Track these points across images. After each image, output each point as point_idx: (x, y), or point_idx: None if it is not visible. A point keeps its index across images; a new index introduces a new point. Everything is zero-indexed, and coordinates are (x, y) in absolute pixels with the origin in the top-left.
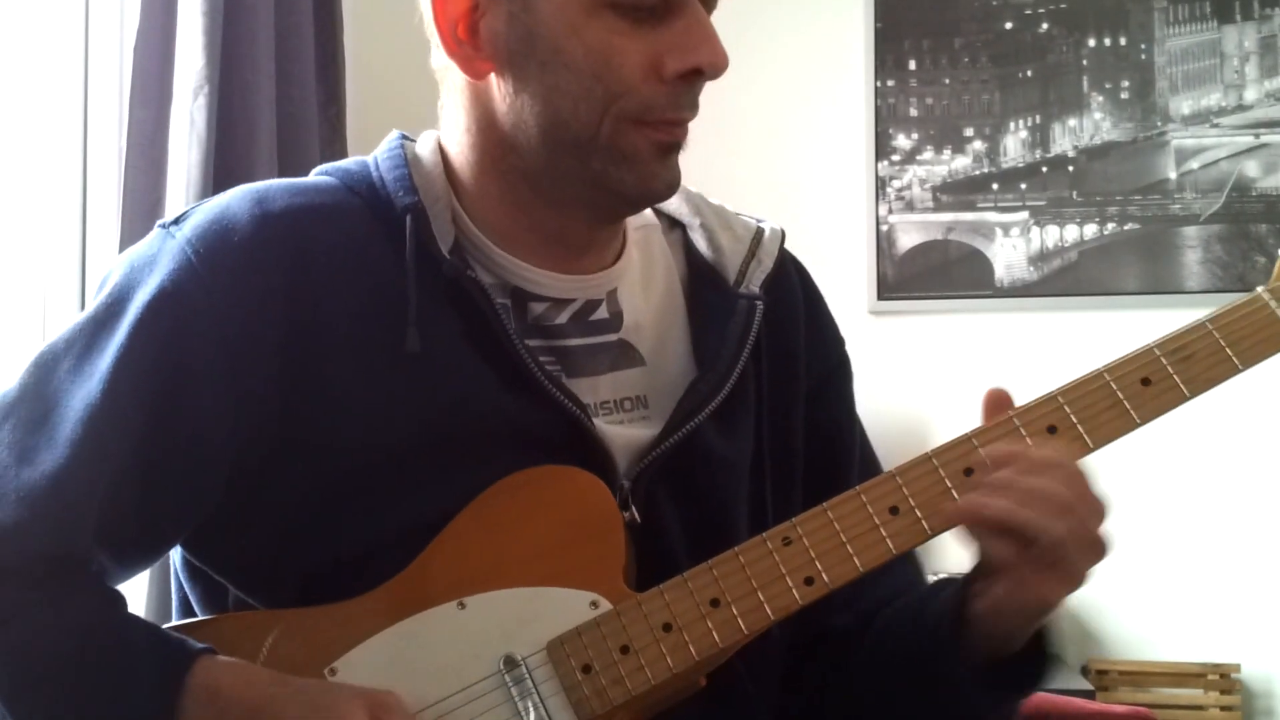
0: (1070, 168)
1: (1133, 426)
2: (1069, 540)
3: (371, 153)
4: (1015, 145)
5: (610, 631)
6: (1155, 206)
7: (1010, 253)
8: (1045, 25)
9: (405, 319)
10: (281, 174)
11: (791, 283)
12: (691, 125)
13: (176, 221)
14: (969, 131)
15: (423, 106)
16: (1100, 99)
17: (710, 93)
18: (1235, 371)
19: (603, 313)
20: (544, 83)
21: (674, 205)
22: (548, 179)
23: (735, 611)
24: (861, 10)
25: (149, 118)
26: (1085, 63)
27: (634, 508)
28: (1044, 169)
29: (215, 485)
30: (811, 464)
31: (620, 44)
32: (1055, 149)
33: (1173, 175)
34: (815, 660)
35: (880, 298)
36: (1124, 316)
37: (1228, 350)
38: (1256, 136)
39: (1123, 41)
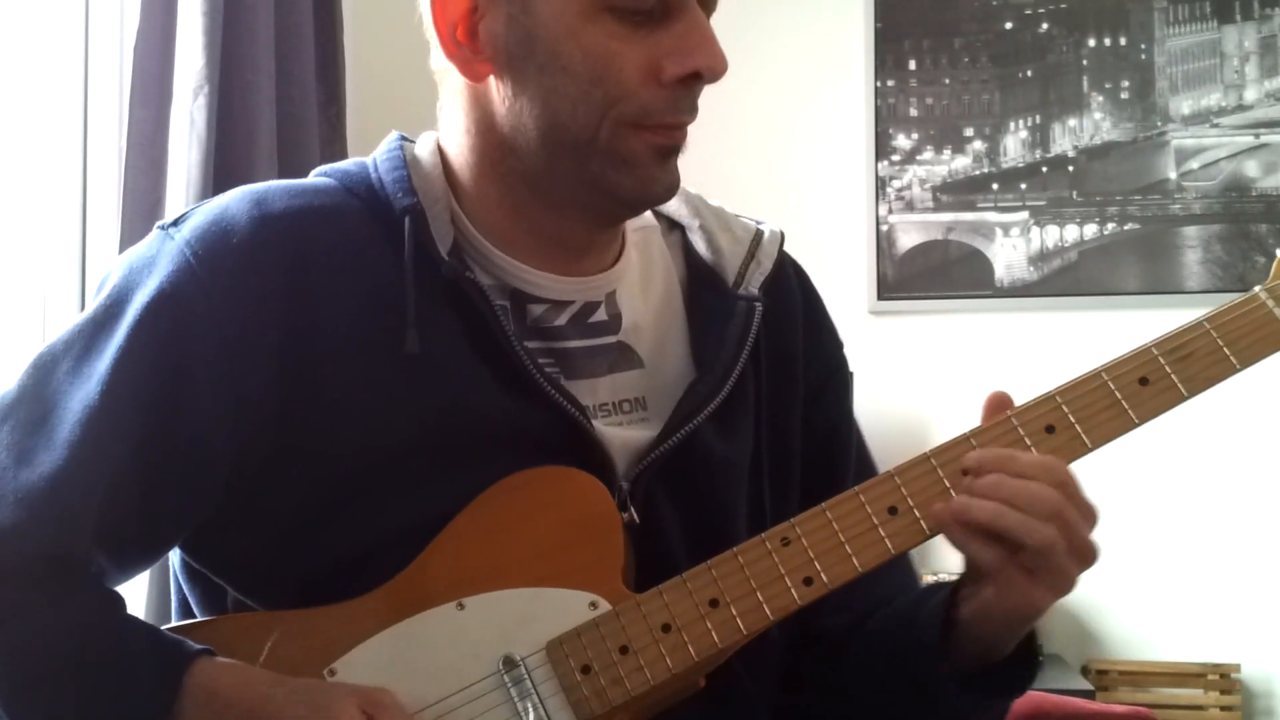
0: (1070, 168)
1: (1131, 426)
2: (1056, 545)
3: (370, 154)
4: (1015, 145)
5: (609, 632)
6: (1155, 206)
7: (1010, 253)
8: (1045, 25)
9: (404, 320)
10: (281, 174)
11: (790, 285)
12: (691, 125)
13: (175, 223)
14: (969, 131)
15: (423, 107)
16: (1100, 99)
17: (710, 93)
18: (1233, 371)
19: (601, 315)
20: (543, 86)
21: (673, 207)
22: (546, 181)
23: (734, 612)
24: (861, 10)
25: (149, 118)
26: (1085, 63)
27: (633, 509)
28: (1044, 169)
29: (214, 487)
30: (808, 466)
31: (619, 48)
32: (1055, 149)
33: (1173, 175)
34: (810, 662)
35: (880, 298)
36: (1124, 316)
37: (1225, 350)
38: (1256, 136)
39: (1123, 41)
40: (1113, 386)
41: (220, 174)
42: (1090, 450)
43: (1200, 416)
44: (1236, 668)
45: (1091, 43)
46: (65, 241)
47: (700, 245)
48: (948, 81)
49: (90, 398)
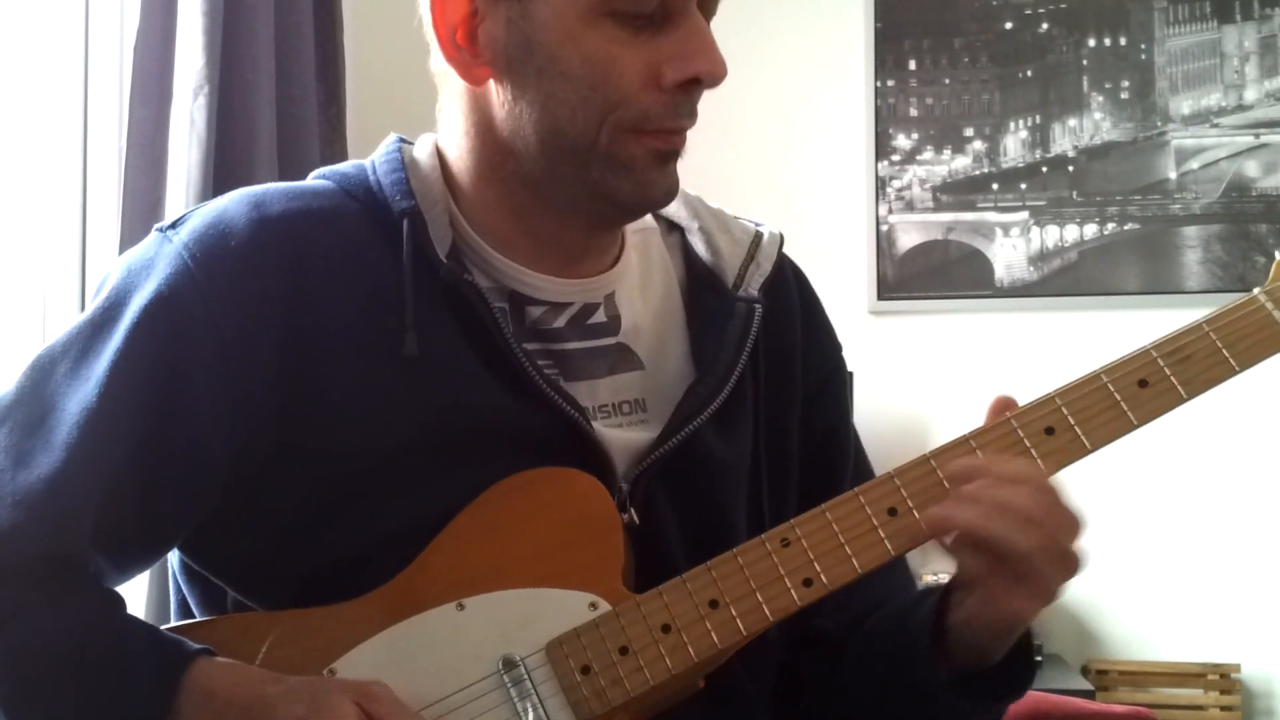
0: (1070, 168)
1: (1130, 428)
2: (1036, 554)
3: (369, 156)
4: (1015, 145)
5: (609, 633)
6: (1155, 206)
7: (1010, 253)
8: (1045, 25)
9: (403, 323)
10: (281, 174)
11: (789, 287)
12: (691, 127)
13: (174, 225)
14: (969, 131)
15: (423, 106)
16: (1100, 99)
17: (710, 93)
18: (1232, 373)
19: (600, 316)
20: (542, 90)
21: (672, 208)
22: (546, 185)
23: (734, 613)
24: (861, 10)
25: (149, 118)
26: (1085, 63)
27: (632, 510)
28: (1044, 169)
29: (212, 489)
30: (807, 468)
31: (618, 53)
32: (1055, 149)
33: (1173, 175)
34: (808, 663)
35: (880, 298)
36: (1124, 316)
37: (1225, 352)
38: (1256, 136)
39: (1123, 41)
40: (1112, 388)
41: (220, 174)
42: (1090, 452)
43: (1200, 417)
44: (1236, 668)
45: (1091, 43)
46: (65, 241)
47: (699, 247)
48: (948, 81)
49: (88, 400)
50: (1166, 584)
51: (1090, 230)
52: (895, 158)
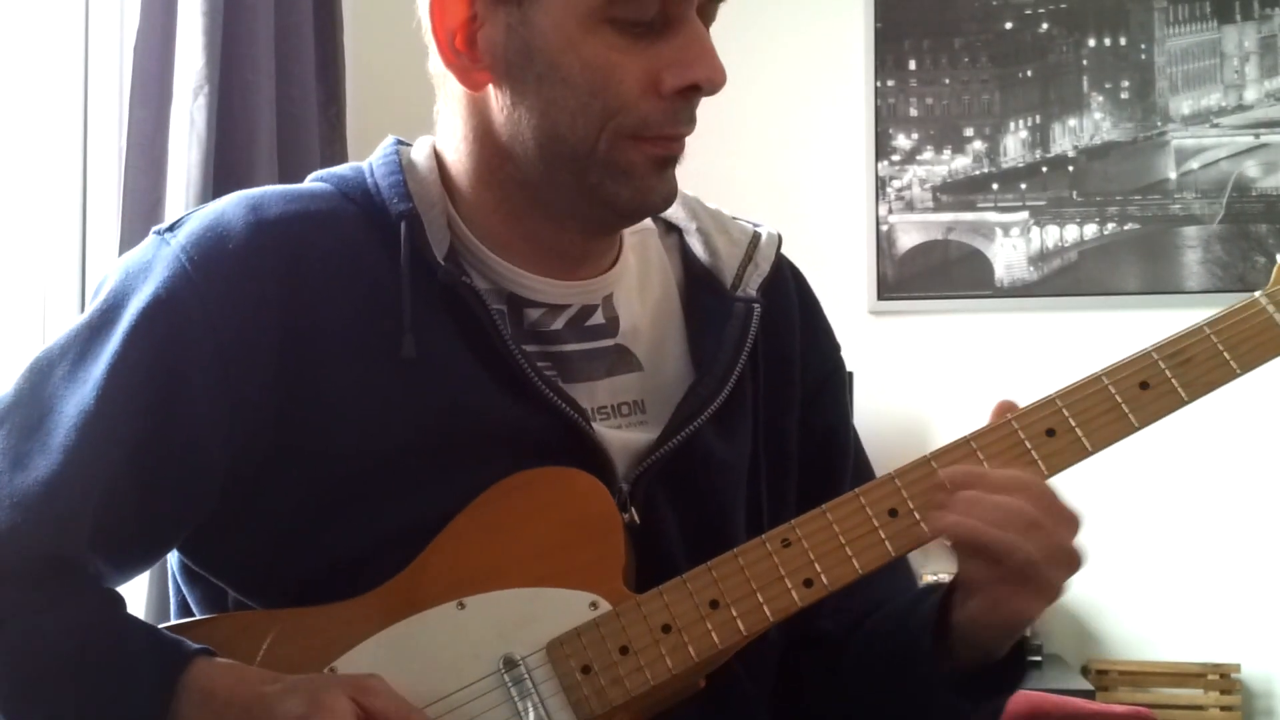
0: (1070, 168)
1: (1131, 430)
2: (1038, 557)
3: (366, 159)
4: (1015, 145)
5: (609, 632)
6: (1155, 206)
7: (1010, 253)
8: (1045, 25)
9: (400, 325)
10: (281, 174)
11: (788, 287)
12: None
13: (171, 228)
14: (969, 131)
15: (423, 107)
16: (1100, 99)
17: None
18: (1233, 376)
19: (599, 318)
20: (541, 96)
21: (671, 210)
22: (544, 190)
23: (734, 613)
24: (861, 10)
25: (149, 118)
26: (1085, 63)
27: (633, 509)
28: (1044, 169)
29: (210, 491)
30: (806, 469)
31: (618, 60)
32: (1055, 149)
33: (1173, 175)
34: (808, 663)
35: (880, 298)
36: (1124, 316)
37: (1226, 355)
38: (1256, 136)
39: (1123, 41)
40: (1113, 390)
41: (220, 174)
42: (1091, 454)
43: (1200, 418)
44: (1236, 668)
45: (1091, 43)
46: (65, 242)
47: (698, 248)
48: (948, 81)
49: (86, 403)
50: (1166, 584)
51: (1090, 230)
52: (895, 158)
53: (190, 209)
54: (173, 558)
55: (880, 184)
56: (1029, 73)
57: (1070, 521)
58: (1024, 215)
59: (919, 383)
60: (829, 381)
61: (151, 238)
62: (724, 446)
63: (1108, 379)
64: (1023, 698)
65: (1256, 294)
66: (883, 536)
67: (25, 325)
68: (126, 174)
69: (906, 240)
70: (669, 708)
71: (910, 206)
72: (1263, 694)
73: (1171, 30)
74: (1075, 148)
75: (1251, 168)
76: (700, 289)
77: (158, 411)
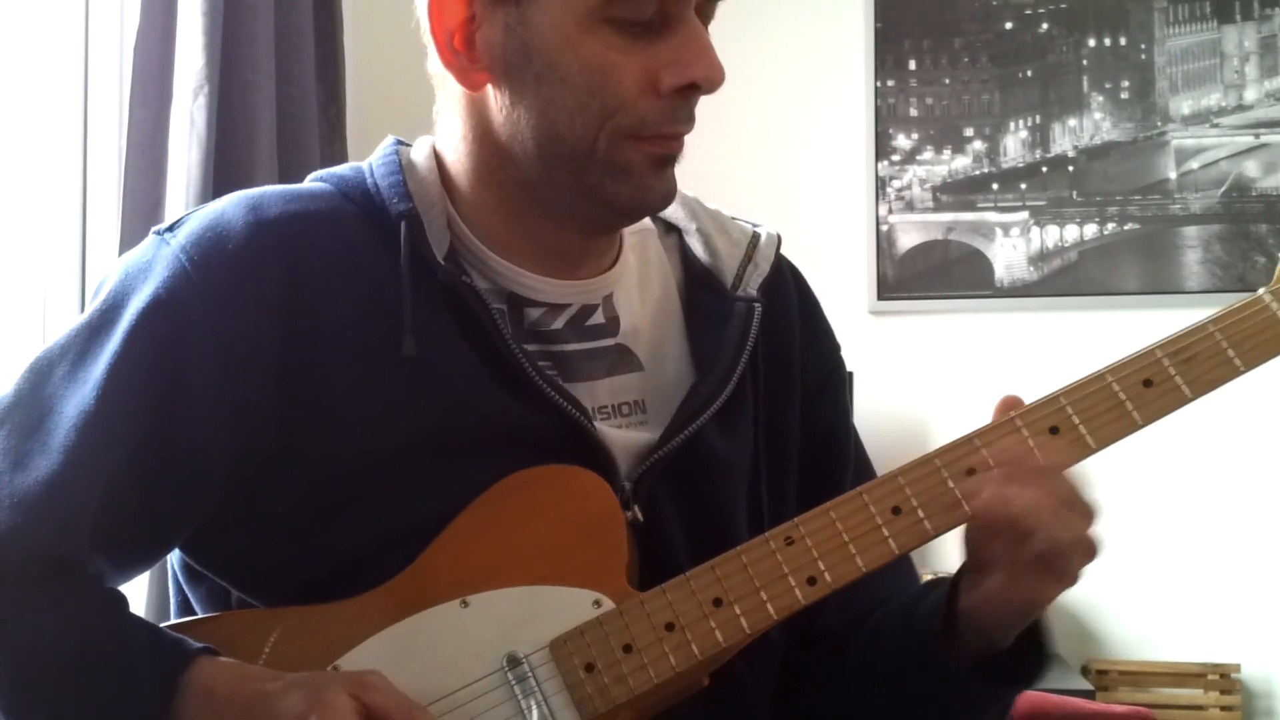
0: (1070, 168)
1: (1135, 428)
2: (1071, 542)
3: (366, 159)
4: (1015, 145)
5: (613, 630)
6: (1155, 206)
7: (1010, 253)
8: (1045, 25)
9: (401, 324)
10: (281, 174)
11: (787, 287)
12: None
13: (171, 228)
14: (969, 131)
15: (423, 107)
16: (1100, 99)
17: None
18: (1237, 373)
19: (599, 318)
20: (540, 96)
21: (670, 210)
22: (543, 190)
23: (738, 611)
24: (861, 10)
25: (149, 118)
26: (1085, 63)
27: (636, 508)
28: (1044, 169)
29: (211, 491)
30: (806, 468)
31: (616, 59)
32: (1055, 149)
33: (1173, 175)
34: (812, 660)
35: (880, 298)
36: (1124, 316)
37: (1229, 352)
38: (1256, 136)
39: (1123, 41)
40: (1117, 388)
41: (220, 174)
42: (1094, 451)
43: (1200, 417)
44: (1236, 668)
45: (1091, 43)
46: (65, 242)
47: (697, 248)
48: (948, 81)
49: (86, 403)
50: (1166, 584)
51: (1090, 230)
52: (895, 158)
53: (190, 209)
54: (174, 557)
55: (880, 184)
56: (1029, 73)
57: (1093, 510)
58: (1024, 215)
59: (919, 383)
60: (829, 381)
61: (151, 238)
62: (726, 446)
63: (1111, 376)
64: (1023, 698)
65: (1260, 291)
66: (886, 534)
67: (25, 325)
68: (126, 174)
69: (906, 240)
70: (672, 706)
71: (910, 206)
72: (1263, 694)
73: (1171, 30)
74: (1075, 148)
75: (1251, 168)
76: (700, 289)
77: (158, 411)
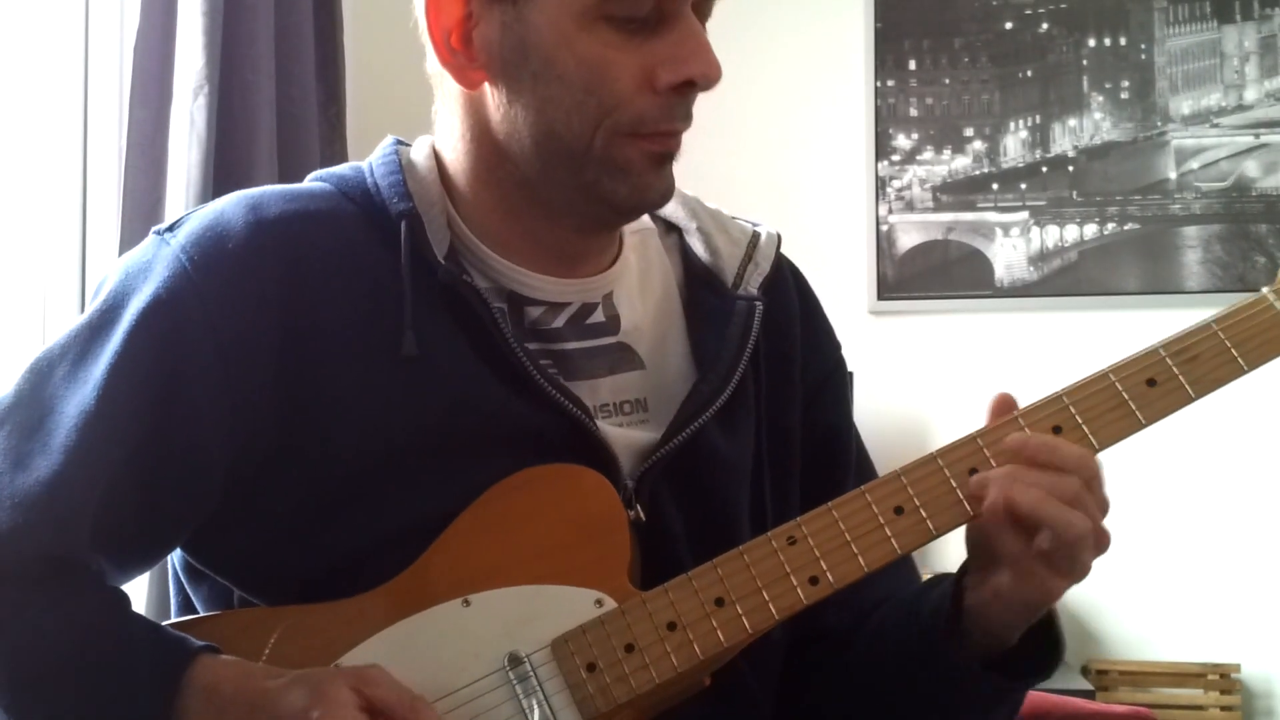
0: (1070, 168)
1: (1138, 427)
2: (1079, 535)
3: (366, 159)
4: (1015, 145)
5: (615, 630)
6: (1155, 206)
7: (1010, 253)
8: (1045, 25)
9: (401, 324)
10: (281, 174)
11: (787, 286)
12: (692, 126)
13: (171, 228)
14: (969, 131)
15: (423, 107)
16: (1100, 99)
17: (711, 93)
18: (1241, 373)
19: (599, 316)
20: (537, 94)
21: (670, 209)
22: (542, 188)
23: (740, 610)
24: (861, 10)
25: (149, 118)
26: (1085, 63)
27: (638, 507)
28: (1044, 169)
29: (211, 490)
30: (808, 467)
31: (613, 56)
32: (1055, 149)
33: (1173, 175)
34: (815, 658)
35: (880, 298)
36: (1124, 316)
37: (1233, 351)
38: (1256, 136)
39: (1123, 41)
40: (1120, 388)
41: (220, 174)
42: (1097, 451)
43: (1200, 417)
44: (1236, 668)
45: (1091, 43)
46: (65, 242)
47: (698, 247)
48: (948, 81)
49: (86, 403)
50: (1166, 584)
51: (1090, 230)
52: (895, 158)
53: (190, 209)
54: (175, 556)
55: (880, 184)
56: (1029, 73)
57: (1105, 504)
58: (1024, 215)
59: (919, 383)
60: (830, 379)
61: (151, 238)
62: (727, 444)
63: (1114, 376)
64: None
65: (1264, 290)
66: (889, 534)
67: (25, 325)
68: (126, 174)
69: (906, 240)
70: (674, 705)
71: (910, 206)
72: (1263, 694)
73: (1171, 30)
74: (1075, 148)
75: (1251, 168)
76: (701, 288)
77: (158, 411)
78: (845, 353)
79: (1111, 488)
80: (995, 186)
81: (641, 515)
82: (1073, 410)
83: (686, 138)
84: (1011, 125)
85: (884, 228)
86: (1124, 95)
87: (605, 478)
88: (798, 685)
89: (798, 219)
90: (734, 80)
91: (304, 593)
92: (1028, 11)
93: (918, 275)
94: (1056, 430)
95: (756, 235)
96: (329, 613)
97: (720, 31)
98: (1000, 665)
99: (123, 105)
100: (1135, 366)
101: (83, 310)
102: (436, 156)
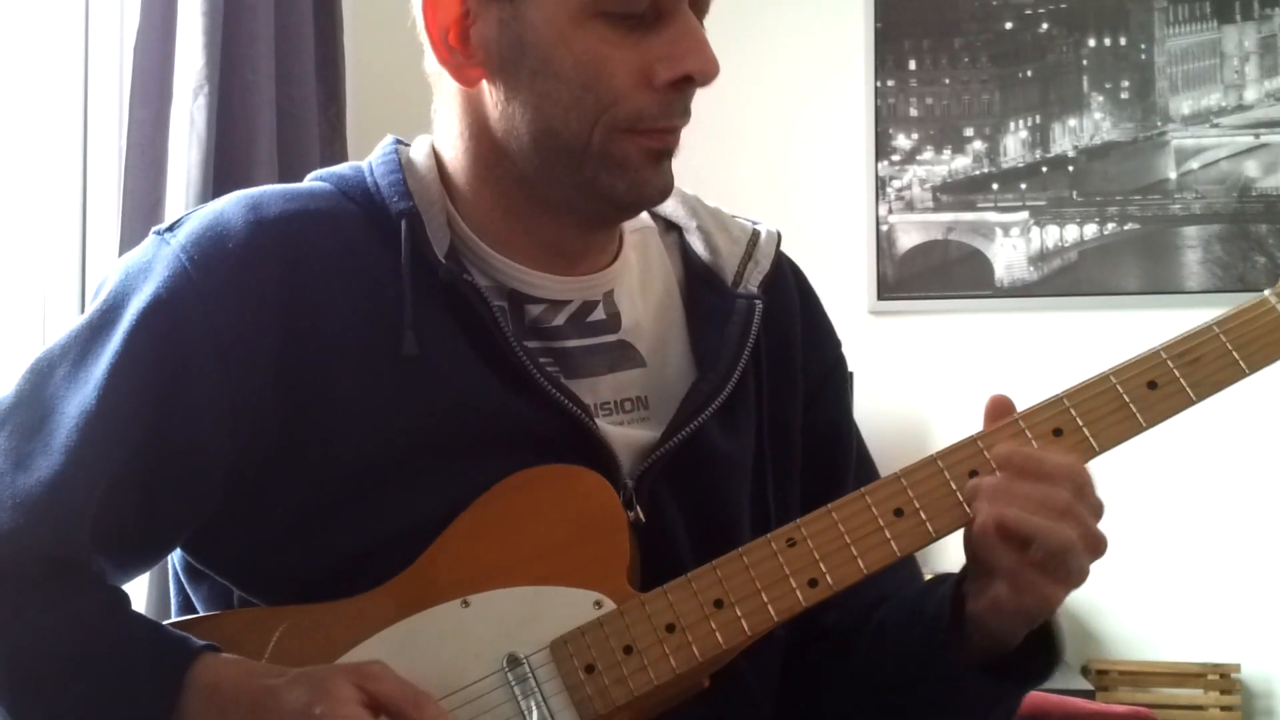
0: (1070, 168)
1: (1139, 430)
2: (1075, 545)
3: (366, 158)
4: (1015, 145)
5: (613, 631)
6: (1155, 206)
7: (1010, 253)
8: (1045, 25)
9: (401, 323)
10: (281, 174)
11: (788, 284)
12: (692, 125)
13: (171, 228)
14: (969, 131)
15: (423, 107)
16: (1100, 99)
17: (711, 93)
18: (1242, 375)
19: (600, 314)
20: (535, 91)
21: (670, 208)
22: (541, 185)
23: (739, 613)
24: (861, 10)
25: (149, 118)
26: (1085, 63)
27: (638, 507)
28: (1044, 169)
29: (212, 491)
30: (809, 464)
31: (610, 53)
32: (1055, 149)
33: (1173, 175)
34: (815, 658)
35: (880, 298)
36: (1124, 316)
37: (1235, 354)
38: (1256, 136)
39: (1123, 41)
40: (1121, 390)
41: (220, 174)
42: (1098, 454)
43: (1201, 417)
44: (1236, 668)
45: (1091, 43)
46: (65, 242)
47: (698, 245)
48: (948, 81)
49: (87, 403)
50: (1166, 584)
51: (1090, 230)
52: (895, 158)
53: (190, 209)
54: (175, 556)
55: (880, 184)
56: (1029, 73)
57: (1099, 508)
58: (1024, 215)
59: (919, 383)
60: (830, 377)
61: (151, 238)
62: (728, 443)
63: (1115, 378)
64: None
65: (1266, 293)
66: (888, 536)
67: (25, 325)
68: (126, 174)
69: (906, 240)
70: (673, 707)
71: (910, 206)
72: (1263, 694)
73: (1171, 30)
74: (1075, 148)
75: (1251, 168)
76: (701, 286)
77: (159, 411)
78: (845, 353)
79: (1111, 489)
80: (995, 186)
81: (641, 516)
82: (1073, 412)
83: (686, 137)
84: (1011, 125)
85: (884, 228)
86: (1124, 95)
87: (605, 478)
88: (798, 685)
89: (798, 219)
90: (734, 80)
91: (304, 593)
92: (1028, 11)
93: (918, 275)
94: (1057, 433)
95: (756, 233)
96: (329, 613)
97: (720, 31)
98: (1000, 667)
99: (123, 105)
100: (1136, 369)
101: (83, 310)
102: (436, 155)
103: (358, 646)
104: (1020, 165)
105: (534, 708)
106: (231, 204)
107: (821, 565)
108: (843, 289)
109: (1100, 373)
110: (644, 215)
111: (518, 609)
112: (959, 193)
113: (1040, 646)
